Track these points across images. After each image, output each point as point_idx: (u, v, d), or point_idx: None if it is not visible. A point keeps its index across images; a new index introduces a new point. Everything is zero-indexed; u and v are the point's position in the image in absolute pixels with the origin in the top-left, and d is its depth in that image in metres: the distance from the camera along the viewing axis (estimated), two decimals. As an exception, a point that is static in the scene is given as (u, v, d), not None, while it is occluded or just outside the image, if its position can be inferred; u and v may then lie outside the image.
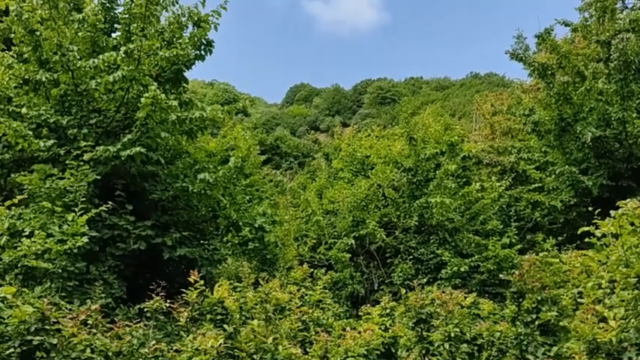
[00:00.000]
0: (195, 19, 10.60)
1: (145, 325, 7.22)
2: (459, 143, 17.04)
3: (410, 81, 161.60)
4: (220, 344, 6.51)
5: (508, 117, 22.73)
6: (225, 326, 7.59)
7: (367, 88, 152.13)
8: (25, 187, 8.94)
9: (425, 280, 14.64)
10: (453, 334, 8.06)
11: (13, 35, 9.87)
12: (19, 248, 7.92)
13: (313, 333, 8.61)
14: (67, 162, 9.15)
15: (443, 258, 14.78)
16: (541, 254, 8.36)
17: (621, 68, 15.07)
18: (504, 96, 31.22)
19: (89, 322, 6.72)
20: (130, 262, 9.48)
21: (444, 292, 9.29)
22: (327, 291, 11.15)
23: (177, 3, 10.65)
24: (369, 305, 10.88)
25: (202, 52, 10.85)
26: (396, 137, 21.81)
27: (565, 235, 16.20)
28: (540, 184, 17.95)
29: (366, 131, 22.67)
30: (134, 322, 7.22)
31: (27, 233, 8.29)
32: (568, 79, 16.14)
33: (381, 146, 19.65)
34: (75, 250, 8.26)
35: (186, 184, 10.02)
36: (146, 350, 6.45)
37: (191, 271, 7.98)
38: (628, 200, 6.33)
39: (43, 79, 9.65)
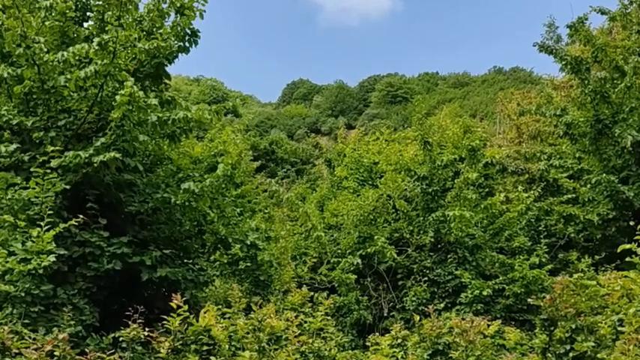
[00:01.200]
0: (178, 5, 10.65)
1: (120, 357, 7.21)
2: (480, 148, 17.07)
3: (424, 77, 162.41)
4: (207, 379, 6.49)
5: (537, 118, 22.78)
6: (212, 358, 7.56)
7: (375, 84, 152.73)
8: (-16, 198, 8.94)
9: (442, 305, 14.62)
10: (474, 368, 8.03)
11: (-30, 25, 9.91)
12: (-24, 268, 7.91)
13: (313, 366, 8.58)
14: (31, 169, 9.15)
15: (462, 280, 14.77)
16: (575, 275, 8.34)
17: (666, 62, 15.11)
18: (532, 94, 31.33)
19: (56, 353, 6.70)
20: (104, 285, 9.48)
21: (463, 319, 9.27)
22: (329, 318, 11.13)
23: (158, -12, 10.72)
24: (377, 334, 10.87)
25: (186, 44, 10.90)
26: (408, 141, 21.89)
27: (603, 253, 16.16)
28: (574, 195, 17.95)
29: (373, 134, 22.74)
30: (107, 353, 7.21)
31: (-15, 251, 8.28)
32: (605, 74, 16.18)
33: (392, 151, 19.72)
34: (40, 271, 8.25)
35: (168, 194, 10.03)
36: (121, 386, 6.43)
37: (173, 295, 7.98)
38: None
39: (5, 74, 9.70)
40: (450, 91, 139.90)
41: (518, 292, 14.25)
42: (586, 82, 16.34)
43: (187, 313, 7.90)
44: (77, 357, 6.90)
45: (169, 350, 7.53)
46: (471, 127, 20.41)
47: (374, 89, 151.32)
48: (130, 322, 7.56)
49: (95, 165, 9.13)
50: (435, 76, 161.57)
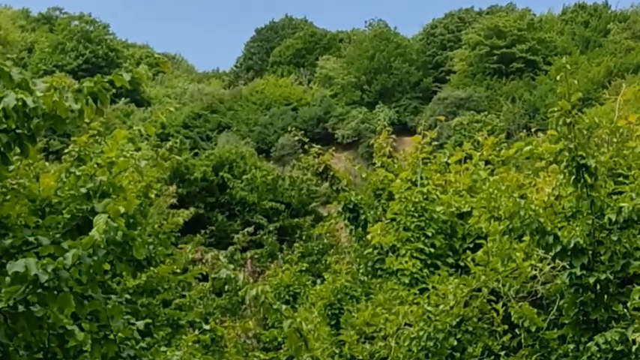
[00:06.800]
0: None
1: None
2: None
3: (574, 15, 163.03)
4: None
5: None
6: None
7: (462, 31, 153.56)
8: None
9: None
10: None
11: None
12: None
13: None
14: None
15: None
16: None
17: None
18: None
19: None
20: None
21: None
22: None
23: None
24: None
25: None
26: (539, 164, 21.77)
27: None
28: None
29: (458, 148, 22.70)
30: None
31: None
32: None
33: (500, 189, 19.61)
34: None
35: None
36: None
37: None
38: None
39: None
40: (637, 45, 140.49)
41: None
42: None
43: None
44: None
45: None
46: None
47: (459, 42, 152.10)
48: None
49: None
50: (602, 12, 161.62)
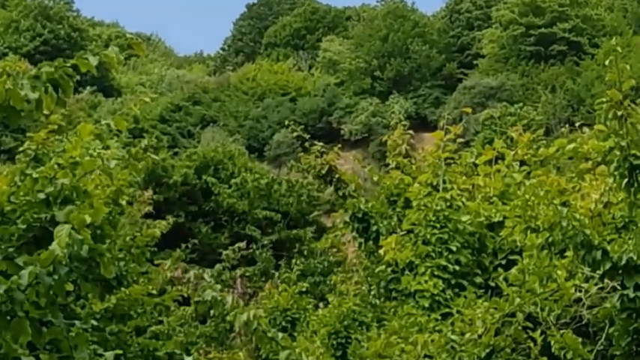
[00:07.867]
0: None
1: None
2: None
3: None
4: None
5: None
6: None
7: (492, 7, 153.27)
8: None
9: None
10: None
11: None
12: None
13: None
14: None
15: None
16: None
17: None
18: None
19: None
20: None
21: None
22: None
23: None
24: None
25: None
26: (584, 165, 21.79)
27: None
28: None
29: (487, 146, 22.67)
30: None
31: None
32: None
33: (537, 194, 19.60)
34: None
35: None
36: None
37: None
38: None
39: None
40: None
41: None
42: None
43: None
44: None
45: None
46: None
47: (488, 21, 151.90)
48: None
49: None
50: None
